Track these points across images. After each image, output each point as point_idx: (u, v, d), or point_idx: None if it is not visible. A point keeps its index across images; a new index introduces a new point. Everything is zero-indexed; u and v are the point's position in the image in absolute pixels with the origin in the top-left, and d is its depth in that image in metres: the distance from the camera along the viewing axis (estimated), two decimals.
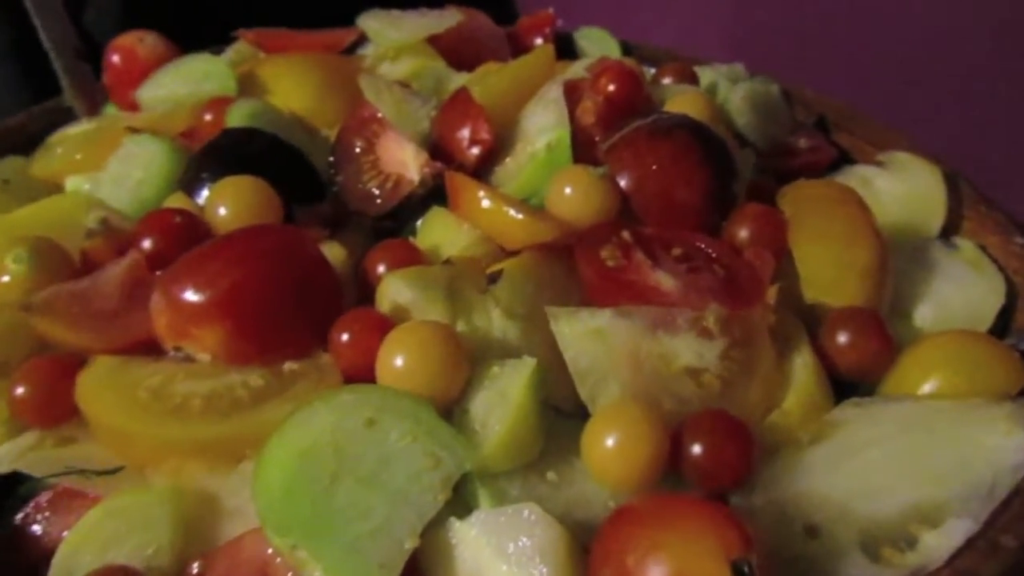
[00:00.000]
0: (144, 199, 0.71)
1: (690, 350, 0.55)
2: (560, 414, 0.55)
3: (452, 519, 0.47)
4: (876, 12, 1.36)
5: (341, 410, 0.49)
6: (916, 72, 1.35)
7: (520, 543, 0.45)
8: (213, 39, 0.95)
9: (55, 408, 0.54)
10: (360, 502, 0.47)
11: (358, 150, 0.73)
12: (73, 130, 0.85)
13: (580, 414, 0.54)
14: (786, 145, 0.85)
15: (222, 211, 0.63)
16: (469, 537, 0.47)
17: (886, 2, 1.35)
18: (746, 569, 0.41)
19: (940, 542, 0.48)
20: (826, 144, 0.87)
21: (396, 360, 0.52)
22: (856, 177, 0.81)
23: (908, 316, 0.67)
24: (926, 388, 0.59)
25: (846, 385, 0.61)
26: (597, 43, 1.06)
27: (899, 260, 0.70)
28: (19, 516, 0.53)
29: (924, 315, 0.67)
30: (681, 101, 0.75)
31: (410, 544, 0.46)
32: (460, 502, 0.49)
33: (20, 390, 0.54)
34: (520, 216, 0.61)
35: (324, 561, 0.45)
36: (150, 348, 0.57)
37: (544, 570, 0.44)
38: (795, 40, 1.43)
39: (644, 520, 0.45)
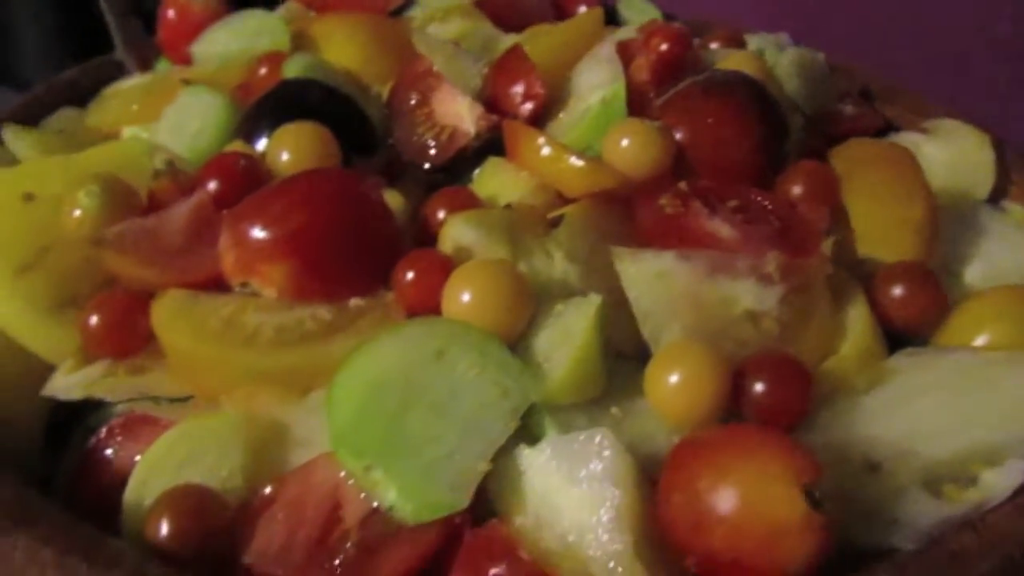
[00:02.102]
0: (201, 148, 0.72)
1: (750, 294, 0.56)
2: (620, 357, 0.55)
3: (522, 446, 0.48)
4: None
5: (410, 341, 0.50)
6: (954, 47, 1.34)
7: (591, 467, 0.46)
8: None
9: (126, 338, 0.55)
10: (431, 429, 0.48)
11: (413, 103, 0.74)
12: (127, 84, 0.86)
13: (640, 356, 0.55)
14: (833, 111, 0.86)
15: (284, 156, 0.64)
16: (539, 463, 0.47)
17: None
18: (816, 494, 0.42)
19: (1001, 480, 0.49)
20: (872, 111, 0.87)
21: (463, 296, 0.53)
22: (904, 143, 0.81)
23: (959, 275, 0.68)
24: (978, 341, 0.59)
25: (899, 340, 0.62)
26: (640, 13, 1.06)
27: (948, 223, 0.70)
28: (91, 441, 0.54)
29: (974, 274, 0.68)
30: (734, 61, 0.76)
31: (482, 468, 0.47)
32: (527, 433, 0.50)
33: (93, 320, 0.55)
34: (580, 164, 0.61)
35: (399, 481, 0.46)
36: (216, 285, 0.58)
37: (616, 493, 0.45)
38: (833, 17, 1.42)
39: (714, 447, 0.46)
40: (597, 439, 0.46)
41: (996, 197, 0.77)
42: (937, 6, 1.34)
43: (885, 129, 0.87)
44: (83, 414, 0.57)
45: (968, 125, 0.81)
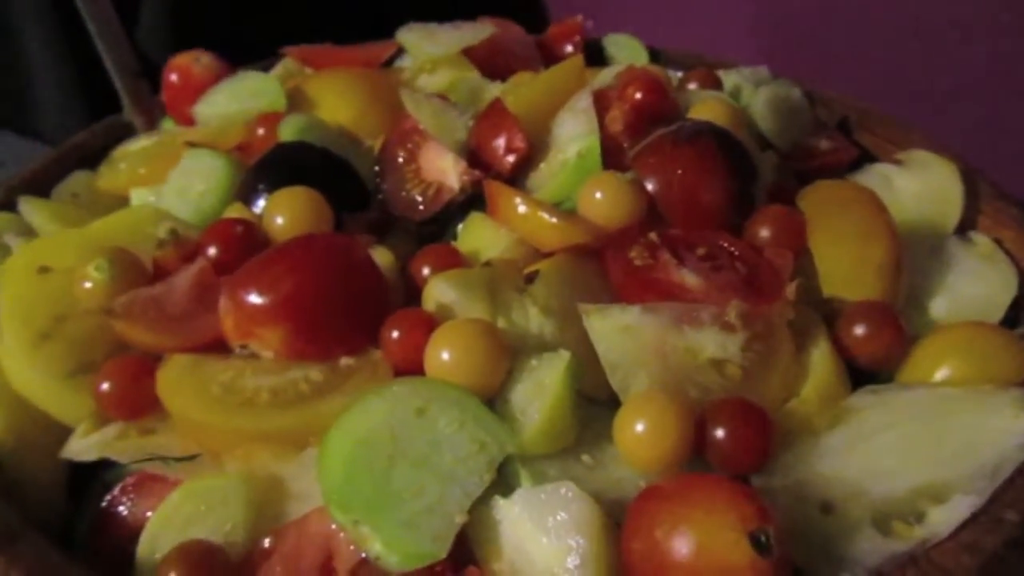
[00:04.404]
0: (205, 210, 0.77)
1: (714, 343, 0.60)
2: (594, 403, 0.59)
3: (496, 497, 0.52)
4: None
5: (394, 400, 0.55)
6: (938, 63, 1.37)
7: (558, 517, 0.50)
8: (257, 52, 1.01)
9: (136, 402, 0.60)
10: (414, 483, 0.52)
11: (401, 160, 0.79)
12: (134, 145, 0.91)
13: (612, 403, 0.58)
14: (807, 146, 0.89)
15: (279, 220, 0.69)
16: (512, 513, 0.51)
17: None
18: (763, 539, 0.46)
19: (946, 516, 0.52)
20: (847, 144, 0.91)
21: (443, 354, 0.57)
22: (876, 175, 0.84)
23: (924, 308, 0.71)
24: (938, 376, 0.63)
25: (864, 374, 0.65)
26: (625, 49, 1.10)
27: (916, 255, 0.73)
28: (106, 499, 0.59)
29: (939, 307, 0.71)
30: (705, 107, 0.80)
31: (460, 519, 0.51)
32: (504, 483, 0.54)
33: (105, 386, 0.60)
34: (554, 220, 0.65)
35: (384, 534, 0.50)
36: (218, 347, 0.63)
37: (580, 542, 0.49)
38: (823, 33, 1.45)
39: (670, 497, 0.49)
40: (563, 491, 0.50)
41: (965, 227, 0.80)
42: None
43: (860, 160, 0.90)
44: (100, 470, 0.62)
45: (938, 157, 0.84)
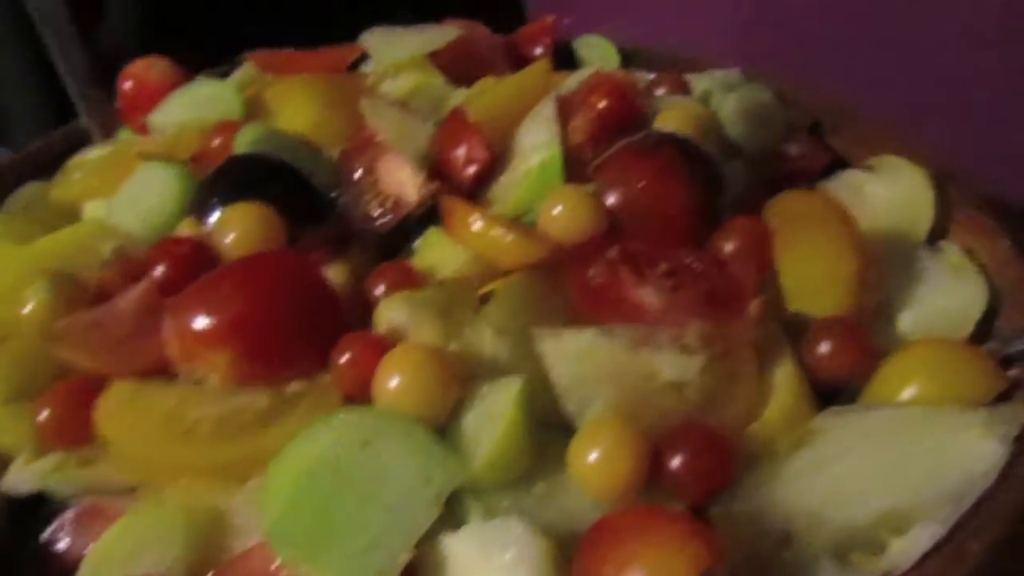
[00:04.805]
0: (156, 224, 0.74)
1: (672, 365, 0.58)
2: (551, 428, 0.58)
3: (443, 534, 0.51)
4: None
5: (338, 431, 0.53)
6: (923, 61, 1.35)
7: (505, 555, 0.48)
8: (226, 50, 0.99)
9: (77, 430, 0.58)
10: (358, 517, 0.50)
11: (359, 172, 0.76)
12: (91, 155, 0.89)
13: (570, 427, 0.57)
14: (778, 152, 0.87)
15: (229, 237, 0.67)
16: (459, 550, 0.50)
17: None
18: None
19: (907, 547, 0.51)
20: (818, 150, 0.89)
21: (390, 382, 0.55)
22: (846, 183, 0.82)
23: (892, 322, 0.70)
24: (905, 395, 0.61)
25: (831, 391, 0.64)
26: (597, 50, 1.08)
27: (886, 266, 0.72)
28: (46, 534, 0.57)
29: (907, 321, 0.69)
30: (671, 115, 0.78)
31: (404, 557, 0.49)
32: (453, 515, 0.52)
33: (44, 414, 0.58)
34: (509, 237, 0.63)
35: (326, 572, 0.49)
36: (164, 370, 0.61)
37: None
38: (809, 23, 1.43)
39: (621, 532, 0.48)
40: (510, 527, 0.49)
41: (936, 236, 0.78)
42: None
43: (832, 166, 0.88)
44: (43, 501, 0.60)
45: (910, 163, 0.82)
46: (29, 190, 0.85)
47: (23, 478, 0.57)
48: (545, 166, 0.72)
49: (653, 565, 0.45)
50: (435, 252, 0.69)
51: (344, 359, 0.58)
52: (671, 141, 0.70)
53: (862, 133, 0.92)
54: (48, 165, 0.90)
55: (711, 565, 0.44)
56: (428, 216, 0.73)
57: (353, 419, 0.53)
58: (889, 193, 0.81)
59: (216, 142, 0.81)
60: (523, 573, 0.47)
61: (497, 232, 0.63)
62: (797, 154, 0.87)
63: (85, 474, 0.57)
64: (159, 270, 0.64)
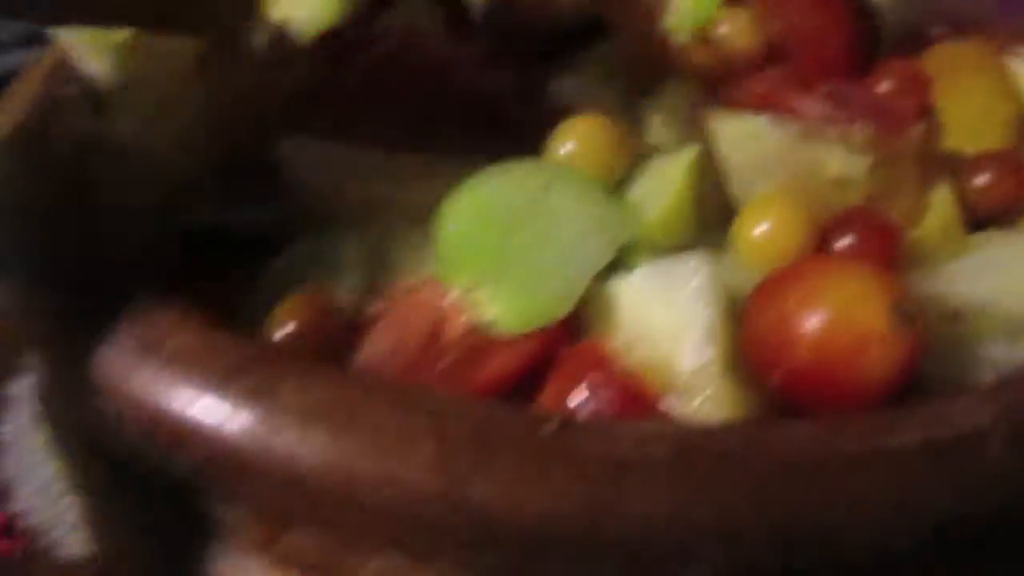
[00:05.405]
0: None
1: (840, 160, 0.58)
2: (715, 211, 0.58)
3: (616, 274, 0.51)
4: None
5: (518, 175, 0.54)
6: None
7: (684, 287, 0.48)
8: None
9: None
10: (535, 252, 0.51)
11: None
12: None
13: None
14: (921, 34, 0.86)
15: None
16: (634, 285, 0.50)
17: None
18: (905, 309, 0.44)
19: None
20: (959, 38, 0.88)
21: (564, 147, 0.56)
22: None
23: None
24: None
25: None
26: None
27: None
28: None
29: None
30: None
31: (579, 288, 0.50)
32: (622, 268, 0.53)
33: None
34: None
35: (498, 300, 0.50)
36: None
37: (708, 312, 0.47)
38: None
39: (804, 271, 0.48)
40: (691, 262, 0.49)
41: None
42: None
43: None
44: None
45: None
46: None
47: None
48: None
49: (841, 295, 0.45)
50: None
51: None
52: None
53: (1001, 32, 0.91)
54: None
55: (900, 295, 0.44)
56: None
57: (532, 167, 0.55)
58: None
59: None
60: (704, 305, 0.48)
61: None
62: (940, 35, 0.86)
63: None
64: None
